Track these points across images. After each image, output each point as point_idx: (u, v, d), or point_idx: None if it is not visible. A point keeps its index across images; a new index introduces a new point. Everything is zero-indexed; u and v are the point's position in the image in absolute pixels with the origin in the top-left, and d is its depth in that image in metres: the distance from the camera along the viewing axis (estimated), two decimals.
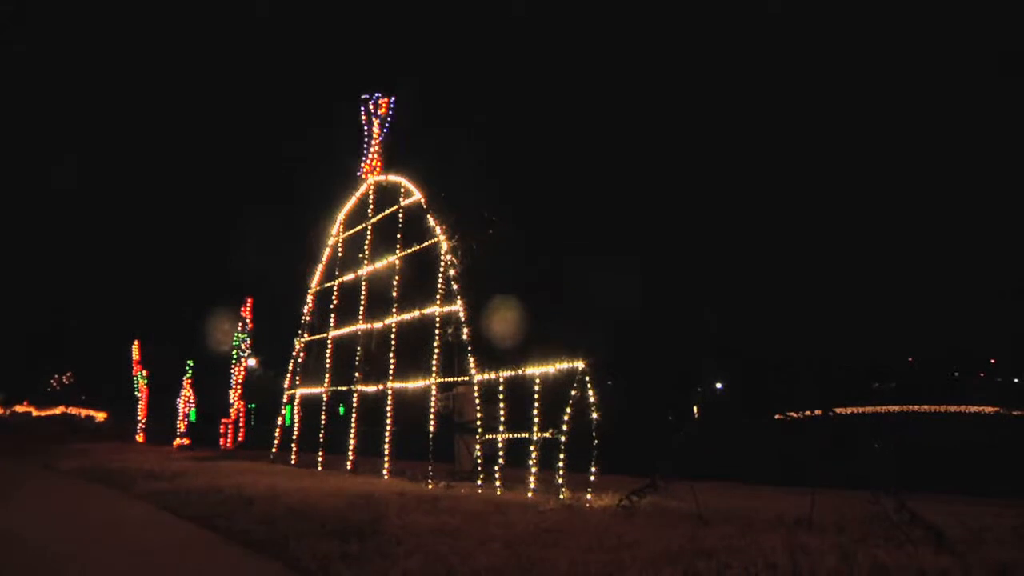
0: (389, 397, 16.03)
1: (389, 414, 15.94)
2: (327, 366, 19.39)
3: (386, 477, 15.02)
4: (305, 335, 21.29)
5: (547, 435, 11.72)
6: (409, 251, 16.52)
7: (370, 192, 18.77)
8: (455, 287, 14.55)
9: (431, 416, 14.84)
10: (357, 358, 17.84)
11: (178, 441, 32.74)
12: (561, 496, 10.82)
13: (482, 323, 14.60)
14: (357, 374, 17.73)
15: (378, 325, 17.18)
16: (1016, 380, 62.85)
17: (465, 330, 14.06)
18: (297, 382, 21.27)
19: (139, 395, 39.02)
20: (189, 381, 34.43)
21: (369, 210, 18.65)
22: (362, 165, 19.08)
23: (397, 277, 16.69)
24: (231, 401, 29.72)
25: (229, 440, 29.36)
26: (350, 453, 17.23)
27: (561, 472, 11.32)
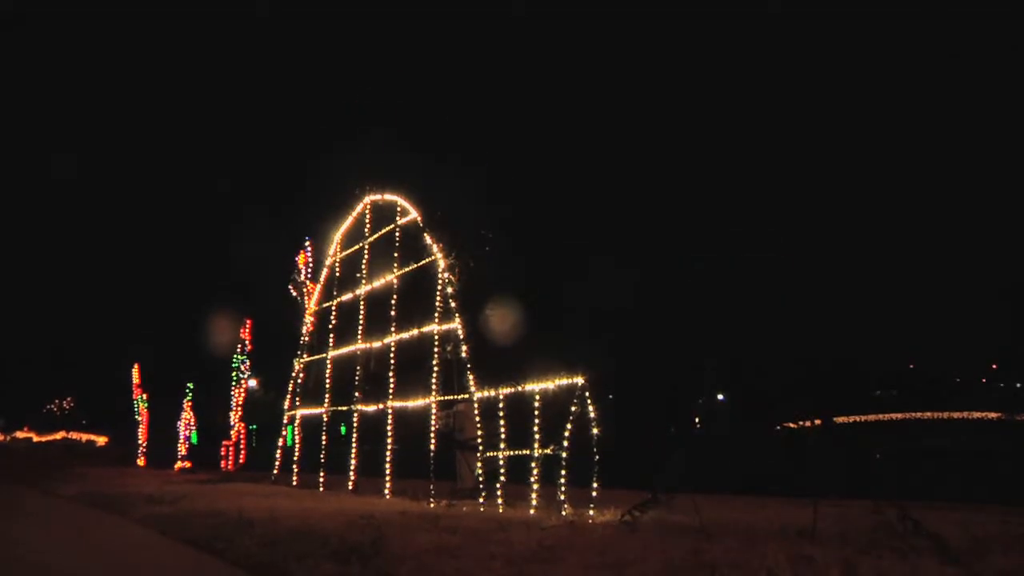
0: (389, 416, 16.00)
1: (390, 433, 15.89)
2: (327, 386, 19.36)
3: (387, 496, 14.96)
4: (304, 355, 21.28)
5: (548, 451, 11.68)
6: (407, 270, 16.53)
7: (367, 211, 18.79)
8: (453, 305, 14.55)
9: (432, 434, 14.80)
10: (357, 377, 17.82)
11: (179, 464, 32.65)
12: (563, 512, 10.77)
13: (481, 340, 14.58)
14: (357, 393, 17.70)
15: (377, 344, 17.17)
16: (1019, 385, 62.66)
17: (464, 347, 14.05)
18: (297, 403, 21.23)
19: (139, 418, 38.95)
20: (190, 404, 34.39)
21: (366, 229, 18.68)
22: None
23: (395, 296, 16.69)
24: (232, 423, 29.66)
25: (230, 462, 29.27)
26: (351, 473, 17.17)
27: (563, 488, 11.27)
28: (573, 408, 11.34)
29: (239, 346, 30.38)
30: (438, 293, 14.92)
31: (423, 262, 15.78)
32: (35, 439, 71.82)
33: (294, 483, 19.51)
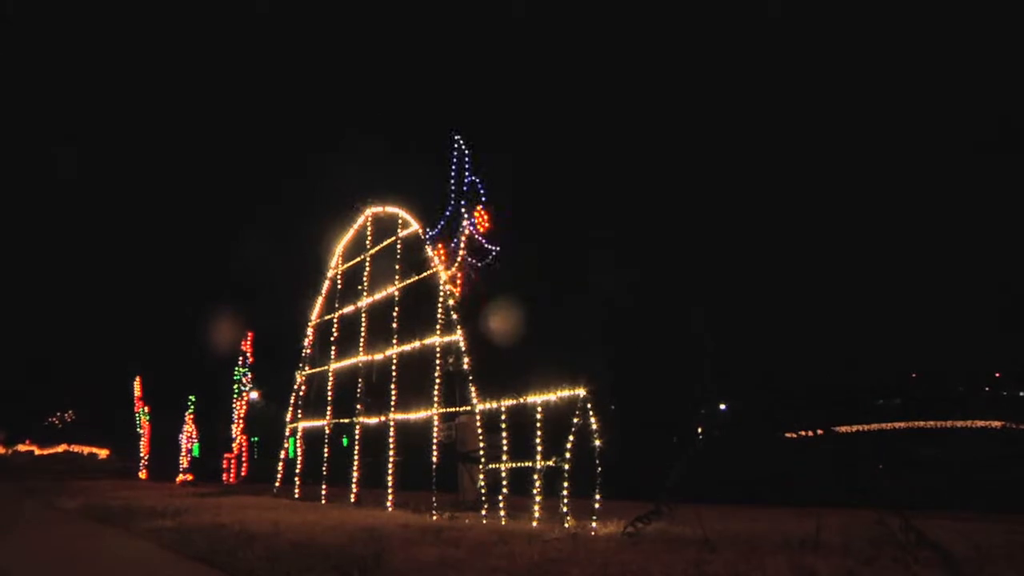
0: (391, 428, 15.99)
1: (392, 445, 15.89)
2: (329, 398, 19.36)
3: (390, 509, 14.93)
4: (306, 368, 21.29)
5: (551, 463, 11.68)
6: (408, 282, 16.57)
7: (368, 223, 18.86)
8: (455, 317, 14.57)
9: (434, 446, 14.79)
10: (358, 390, 17.83)
11: (181, 477, 32.62)
12: (566, 524, 10.76)
13: (483, 352, 14.58)
14: (359, 406, 17.70)
15: (379, 356, 17.18)
16: (1022, 394, 62.44)
17: (466, 359, 14.06)
18: (299, 415, 21.22)
19: (141, 431, 38.94)
20: (191, 416, 34.38)
21: (367, 241, 18.74)
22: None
23: (396, 308, 16.73)
24: (233, 435, 29.67)
25: (232, 475, 29.28)
26: (353, 485, 17.14)
27: (565, 500, 11.26)
28: (575, 419, 11.33)
29: (241, 359, 30.44)
30: (439, 305, 14.95)
31: (424, 274, 15.83)
32: (36, 452, 71.66)
33: (296, 496, 19.48)
